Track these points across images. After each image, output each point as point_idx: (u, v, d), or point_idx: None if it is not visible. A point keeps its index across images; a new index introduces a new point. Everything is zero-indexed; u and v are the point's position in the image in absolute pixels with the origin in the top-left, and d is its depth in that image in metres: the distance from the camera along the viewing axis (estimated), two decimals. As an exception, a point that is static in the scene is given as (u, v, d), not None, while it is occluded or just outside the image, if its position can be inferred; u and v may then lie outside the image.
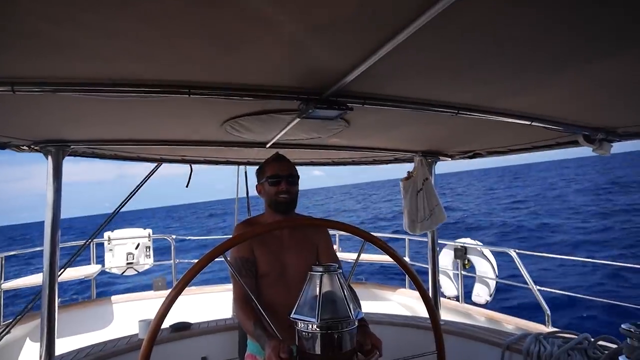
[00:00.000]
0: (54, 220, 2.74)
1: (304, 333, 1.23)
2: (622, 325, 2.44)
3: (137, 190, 4.25)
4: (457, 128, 2.53)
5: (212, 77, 1.48)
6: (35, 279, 5.49)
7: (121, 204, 4.11)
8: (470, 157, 3.31)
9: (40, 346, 2.73)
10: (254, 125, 2.21)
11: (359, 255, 1.50)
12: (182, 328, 3.45)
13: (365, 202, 71.89)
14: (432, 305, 1.40)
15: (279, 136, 2.52)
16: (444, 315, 4.10)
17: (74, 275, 5.80)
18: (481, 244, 6.07)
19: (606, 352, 2.51)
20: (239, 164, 4.00)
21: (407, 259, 6.37)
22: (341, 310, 1.22)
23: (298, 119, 1.90)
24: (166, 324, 3.44)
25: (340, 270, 1.28)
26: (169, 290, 1.13)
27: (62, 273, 3.68)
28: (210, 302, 5.52)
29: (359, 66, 1.30)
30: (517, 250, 4.80)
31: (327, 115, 1.69)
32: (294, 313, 1.24)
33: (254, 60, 1.32)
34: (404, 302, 5.82)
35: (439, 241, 6.34)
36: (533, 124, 2.07)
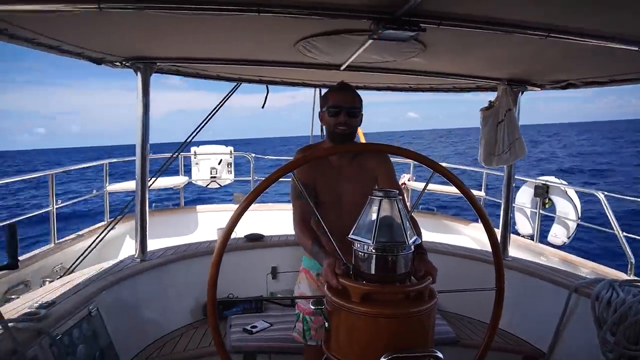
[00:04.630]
0: (143, 133, 3.00)
1: (360, 253, 1.27)
2: None
3: (219, 107, 4.46)
4: (549, 53, 2.27)
5: None
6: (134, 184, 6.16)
7: (206, 118, 4.37)
8: (563, 88, 3.00)
9: (135, 242, 3.14)
10: (326, 46, 2.16)
11: (426, 185, 1.48)
12: (255, 239, 3.75)
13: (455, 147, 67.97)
14: (495, 239, 1.34)
15: (352, 58, 2.46)
16: (515, 253, 4.00)
17: (165, 184, 6.41)
18: (565, 183, 5.69)
19: (689, 306, 2.34)
20: (314, 86, 4.00)
21: (482, 193, 6.18)
22: (397, 235, 1.23)
23: (370, 41, 1.82)
24: (241, 234, 3.79)
25: (400, 197, 1.28)
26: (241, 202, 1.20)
27: (153, 182, 4.09)
28: (283, 218, 5.86)
29: None
30: (605, 193, 4.44)
31: (399, 37, 1.60)
32: (352, 233, 1.28)
33: None
34: (476, 237, 5.74)
35: (520, 177, 6.06)
36: None
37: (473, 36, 1.91)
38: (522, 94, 3.26)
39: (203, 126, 4.38)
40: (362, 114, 2.04)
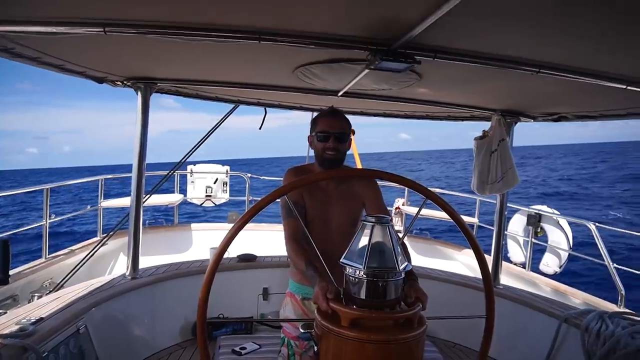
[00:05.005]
0: (141, 150, 3.03)
1: (351, 277, 1.28)
2: None
3: (216, 128, 4.56)
4: (541, 87, 2.35)
5: (281, 25, 1.51)
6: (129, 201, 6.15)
7: (204, 137, 4.46)
8: (555, 120, 3.08)
9: (127, 259, 3.13)
10: (324, 73, 2.22)
11: (418, 211, 1.49)
12: (247, 259, 3.74)
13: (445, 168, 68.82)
14: (486, 269, 1.35)
15: (349, 85, 2.52)
16: (506, 281, 4.01)
17: (160, 201, 6.40)
18: (558, 212, 5.74)
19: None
20: (312, 110, 4.07)
21: (475, 219, 6.21)
22: (388, 261, 1.25)
23: (367, 70, 1.88)
24: (234, 253, 3.78)
25: (392, 223, 1.30)
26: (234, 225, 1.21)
27: (147, 198, 4.10)
28: (275, 238, 5.85)
29: (429, 17, 1.25)
30: (597, 224, 4.48)
31: (395, 68, 1.66)
32: (344, 258, 1.29)
33: (322, 9, 1.32)
34: (468, 263, 5.75)
35: (513, 206, 6.11)
36: (629, 88, 1.87)
37: (467, 69, 1.97)
38: (515, 124, 3.33)
39: (200, 145, 4.45)
40: (350, 139, 2.06)
